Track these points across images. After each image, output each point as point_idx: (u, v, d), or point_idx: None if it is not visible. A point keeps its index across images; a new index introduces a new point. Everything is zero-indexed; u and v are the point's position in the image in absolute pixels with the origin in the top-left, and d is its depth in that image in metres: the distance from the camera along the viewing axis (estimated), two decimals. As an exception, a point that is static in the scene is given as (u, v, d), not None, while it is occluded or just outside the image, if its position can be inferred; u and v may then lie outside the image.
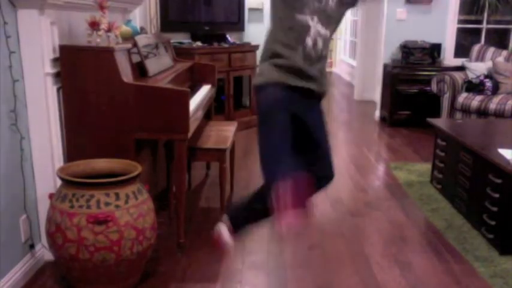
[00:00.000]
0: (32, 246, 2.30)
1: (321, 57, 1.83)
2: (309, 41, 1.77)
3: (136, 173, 2.11)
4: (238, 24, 5.33)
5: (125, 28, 2.86)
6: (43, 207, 2.26)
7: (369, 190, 3.56)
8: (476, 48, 5.45)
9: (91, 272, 2.01)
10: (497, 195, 2.60)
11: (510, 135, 3.46)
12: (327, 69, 2.00)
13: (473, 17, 5.79)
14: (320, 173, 1.92)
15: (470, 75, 5.09)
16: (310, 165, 1.88)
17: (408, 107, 5.45)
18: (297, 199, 1.58)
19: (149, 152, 2.82)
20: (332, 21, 1.83)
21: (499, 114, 4.59)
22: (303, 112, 1.84)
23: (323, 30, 1.79)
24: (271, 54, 1.80)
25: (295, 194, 1.57)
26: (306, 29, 1.76)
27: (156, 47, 3.03)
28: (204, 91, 3.28)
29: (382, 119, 5.85)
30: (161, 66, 2.95)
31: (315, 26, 1.77)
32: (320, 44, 1.80)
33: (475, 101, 4.76)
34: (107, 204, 1.99)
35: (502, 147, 2.81)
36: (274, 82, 1.76)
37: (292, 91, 1.77)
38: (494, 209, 2.62)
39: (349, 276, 2.36)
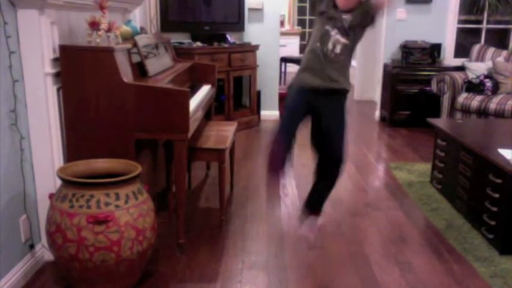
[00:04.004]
0: (32, 247, 2.30)
1: (338, 60, 2.44)
2: (330, 45, 2.42)
3: (136, 173, 2.11)
4: (238, 24, 5.33)
5: (125, 28, 2.86)
6: (43, 207, 2.26)
7: (369, 190, 3.56)
8: (476, 48, 5.45)
9: (91, 272, 2.01)
10: (497, 195, 2.60)
11: (510, 135, 3.46)
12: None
13: (473, 17, 5.79)
14: (327, 152, 2.57)
15: (470, 75, 5.09)
16: (323, 146, 2.58)
17: (408, 107, 5.45)
18: (275, 161, 2.50)
19: (149, 152, 2.82)
20: (350, 37, 2.43)
21: (499, 114, 4.59)
22: (317, 103, 2.47)
23: (342, 40, 2.41)
24: (302, 65, 2.53)
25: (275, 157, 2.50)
26: (328, 35, 2.42)
27: (156, 47, 3.03)
28: (204, 91, 3.28)
29: (382, 119, 5.85)
30: (161, 66, 2.95)
31: (335, 35, 2.41)
32: (338, 49, 2.42)
33: (475, 101, 4.76)
34: (107, 204, 1.99)
35: (502, 147, 2.81)
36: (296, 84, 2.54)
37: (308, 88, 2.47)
38: (494, 209, 2.62)
39: (349, 276, 2.36)
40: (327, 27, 2.43)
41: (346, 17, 2.42)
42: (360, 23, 2.43)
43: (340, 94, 2.53)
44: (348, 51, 2.47)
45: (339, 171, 2.59)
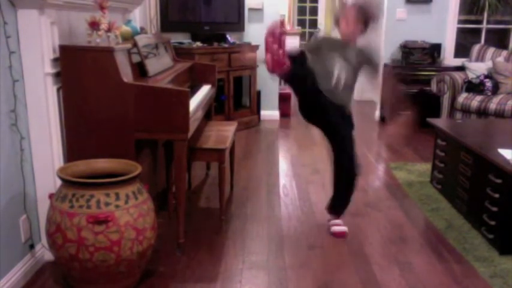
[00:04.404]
0: (32, 247, 2.30)
1: (340, 87, 2.64)
2: (335, 73, 2.62)
3: (136, 173, 2.11)
4: (238, 24, 5.33)
5: (125, 28, 2.86)
6: (43, 207, 2.25)
7: (369, 190, 3.56)
8: (476, 48, 5.45)
9: (91, 272, 2.01)
10: (497, 195, 2.60)
11: (510, 135, 3.46)
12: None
13: (473, 17, 5.79)
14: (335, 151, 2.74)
15: (470, 75, 5.09)
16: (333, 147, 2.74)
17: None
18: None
19: (149, 152, 2.82)
20: (352, 65, 2.65)
21: (499, 114, 4.59)
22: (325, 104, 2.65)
23: (346, 67, 2.63)
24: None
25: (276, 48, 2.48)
26: (333, 62, 2.64)
27: (156, 47, 3.03)
28: (204, 91, 3.28)
29: (382, 119, 5.85)
30: (161, 66, 2.95)
31: (339, 62, 2.62)
32: (342, 75, 2.62)
33: (475, 101, 4.76)
34: (107, 204, 1.99)
35: (502, 147, 2.80)
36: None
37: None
38: (494, 209, 2.62)
39: (349, 276, 2.36)
40: (331, 54, 2.64)
41: (350, 46, 2.66)
42: (359, 58, 2.65)
43: (343, 110, 2.70)
44: (351, 79, 2.66)
45: (354, 179, 2.75)
